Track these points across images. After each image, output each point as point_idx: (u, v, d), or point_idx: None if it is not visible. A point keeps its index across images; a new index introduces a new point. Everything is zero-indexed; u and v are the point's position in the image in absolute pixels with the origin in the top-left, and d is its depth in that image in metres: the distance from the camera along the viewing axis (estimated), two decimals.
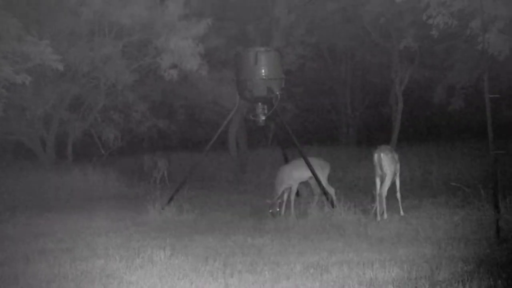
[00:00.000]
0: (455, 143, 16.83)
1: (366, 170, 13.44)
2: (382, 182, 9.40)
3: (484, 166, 11.89)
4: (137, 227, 9.26)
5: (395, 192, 9.53)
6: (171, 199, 10.60)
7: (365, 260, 6.39)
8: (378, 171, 9.40)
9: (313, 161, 10.21)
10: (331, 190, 10.09)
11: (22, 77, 11.20)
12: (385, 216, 9.11)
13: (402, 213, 9.28)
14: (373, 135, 21.73)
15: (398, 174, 9.63)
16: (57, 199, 12.83)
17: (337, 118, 23.76)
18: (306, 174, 10.22)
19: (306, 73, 21.45)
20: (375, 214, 9.20)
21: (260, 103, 10.50)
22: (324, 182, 10.11)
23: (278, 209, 10.00)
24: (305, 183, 10.73)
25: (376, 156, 9.39)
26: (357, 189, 11.33)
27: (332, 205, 9.72)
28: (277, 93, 10.27)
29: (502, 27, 11.55)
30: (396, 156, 9.61)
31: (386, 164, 9.35)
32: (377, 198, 9.33)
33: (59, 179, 13.84)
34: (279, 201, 10.13)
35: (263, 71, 10.27)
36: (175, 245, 7.54)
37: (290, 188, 10.25)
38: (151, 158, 15.65)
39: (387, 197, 9.38)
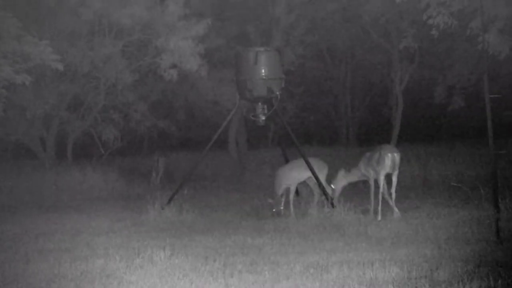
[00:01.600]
0: (455, 143, 16.82)
1: None
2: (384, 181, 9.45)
3: (484, 166, 11.91)
4: (137, 227, 9.26)
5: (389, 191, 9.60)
6: (171, 199, 10.60)
7: (365, 260, 6.39)
8: (388, 171, 9.42)
9: (311, 162, 10.20)
10: (330, 190, 10.09)
11: (22, 77, 11.18)
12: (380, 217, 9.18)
13: (397, 211, 9.29)
14: (373, 135, 21.73)
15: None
16: (57, 199, 12.83)
17: (337, 118, 23.76)
18: (304, 174, 10.24)
19: (306, 73, 21.44)
20: (376, 214, 9.22)
21: (260, 103, 10.50)
22: (323, 182, 10.11)
23: (281, 208, 9.99)
24: (304, 183, 10.73)
25: (390, 156, 9.38)
26: (357, 189, 11.31)
27: (332, 205, 9.72)
28: (277, 93, 10.27)
29: (502, 27, 11.55)
30: None
31: (397, 164, 9.43)
32: (380, 197, 9.37)
33: (59, 179, 13.82)
34: (283, 199, 10.14)
35: (263, 71, 10.26)
36: (175, 245, 7.54)
37: (289, 188, 10.25)
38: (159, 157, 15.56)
39: (389, 197, 9.45)
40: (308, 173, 10.13)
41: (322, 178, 10.16)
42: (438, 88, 18.98)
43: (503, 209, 7.77)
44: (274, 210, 9.96)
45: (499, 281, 5.39)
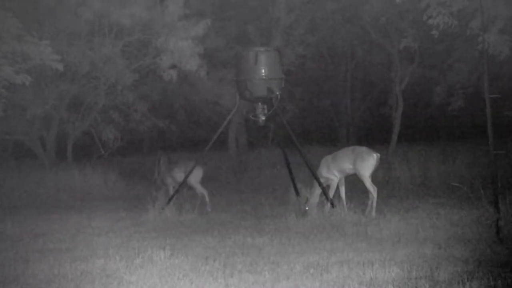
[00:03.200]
0: (455, 143, 16.81)
1: None
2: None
3: (484, 166, 11.90)
4: (137, 227, 9.26)
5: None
6: (170, 199, 10.60)
7: (365, 260, 6.39)
8: (372, 170, 9.52)
9: (189, 165, 10.91)
10: (204, 191, 10.98)
11: (22, 77, 11.18)
12: None
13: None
14: (373, 135, 21.73)
15: None
16: (57, 199, 12.83)
17: (337, 118, 23.75)
18: (178, 177, 11.18)
19: (306, 73, 21.45)
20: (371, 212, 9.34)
21: (260, 103, 10.48)
22: (195, 184, 11.13)
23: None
24: (304, 183, 10.69)
25: (375, 156, 9.52)
26: (357, 189, 11.30)
27: (332, 205, 9.71)
28: (277, 93, 10.24)
29: (502, 27, 11.55)
30: None
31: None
32: (375, 199, 9.48)
33: (59, 179, 13.81)
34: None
35: (263, 71, 10.24)
36: (175, 245, 7.55)
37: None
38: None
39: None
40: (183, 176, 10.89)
41: (196, 180, 11.08)
42: (438, 88, 18.99)
43: (503, 209, 7.76)
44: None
45: (499, 281, 5.39)
